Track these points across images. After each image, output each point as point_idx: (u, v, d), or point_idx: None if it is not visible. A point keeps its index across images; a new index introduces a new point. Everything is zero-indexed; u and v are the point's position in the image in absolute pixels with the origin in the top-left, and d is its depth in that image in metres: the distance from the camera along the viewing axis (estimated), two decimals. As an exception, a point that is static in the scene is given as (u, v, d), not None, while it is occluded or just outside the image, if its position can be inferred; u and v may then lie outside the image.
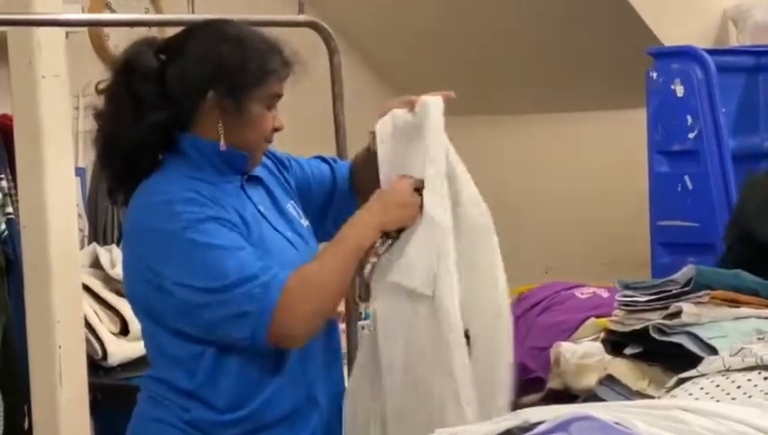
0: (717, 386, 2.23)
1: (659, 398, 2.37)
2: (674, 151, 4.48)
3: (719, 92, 4.40)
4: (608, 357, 2.90)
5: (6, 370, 3.78)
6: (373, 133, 2.43)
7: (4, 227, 3.85)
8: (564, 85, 5.46)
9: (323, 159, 2.66)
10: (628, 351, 2.80)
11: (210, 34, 2.36)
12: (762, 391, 2.17)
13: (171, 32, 2.52)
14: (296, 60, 2.38)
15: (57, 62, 3.49)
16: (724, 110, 4.41)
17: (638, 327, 2.74)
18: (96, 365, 3.85)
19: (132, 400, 2.43)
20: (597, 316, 3.41)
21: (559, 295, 3.67)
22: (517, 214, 5.44)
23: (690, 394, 2.25)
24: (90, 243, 4.33)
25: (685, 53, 4.48)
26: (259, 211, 2.38)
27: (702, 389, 2.25)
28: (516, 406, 2.24)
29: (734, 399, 2.17)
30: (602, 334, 3.00)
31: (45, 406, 3.53)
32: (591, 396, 2.81)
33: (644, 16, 4.85)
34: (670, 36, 4.83)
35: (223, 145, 2.32)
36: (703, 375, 2.30)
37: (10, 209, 3.85)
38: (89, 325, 3.83)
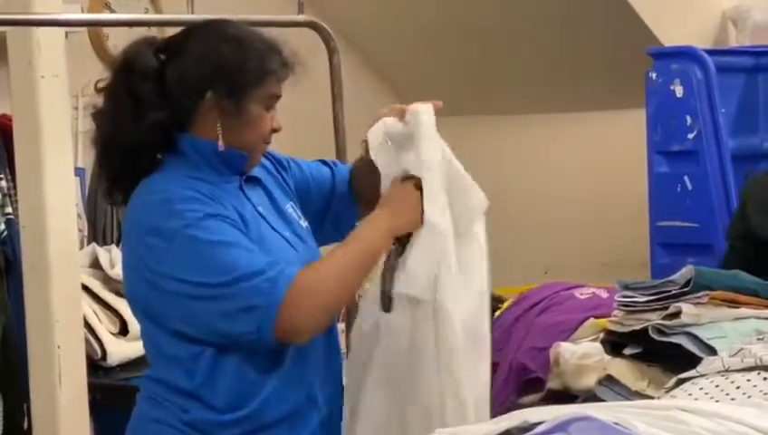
0: (717, 386, 2.23)
1: (659, 398, 2.37)
2: (673, 152, 4.48)
3: (719, 93, 4.40)
4: (607, 357, 2.90)
5: (6, 370, 3.78)
6: (365, 141, 2.43)
7: (3, 227, 3.85)
8: (564, 85, 5.46)
9: (324, 162, 2.66)
10: (627, 351, 2.79)
11: (210, 34, 2.36)
12: (761, 391, 2.17)
13: (171, 32, 2.52)
14: (295, 60, 2.38)
15: (56, 62, 3.49)
16: (723, 110, 4.41)
17: (637, 328, 2.73)
18: (95, 365, 3.85)
19: (131, 400, 2.43)
20: (596, 317, 3.41)
21: (558, 296, 3.67)
22: (517, 214, 5.44)
23: (689, 395, 2.24)
24: (89, 243, 4.33)
25: (684, 54, 4.48)
26: (258, 211, 2.37)
27: (701, 389, 2.25)
28: (516, 406, 2.24)
29: (733, 399, 2.17)
30: (602, 335, 3.00)
31: (45, 406, 3.53)
32: (591, 396, 2.81)
33: (644, 17, 4.85)
34: (670, 36, 4.83)
35: (221, 145, 2.32)
36: (702, 376, 2.30)
37: (9, 209, 3.85)
38: (88, 325, 3.83)
